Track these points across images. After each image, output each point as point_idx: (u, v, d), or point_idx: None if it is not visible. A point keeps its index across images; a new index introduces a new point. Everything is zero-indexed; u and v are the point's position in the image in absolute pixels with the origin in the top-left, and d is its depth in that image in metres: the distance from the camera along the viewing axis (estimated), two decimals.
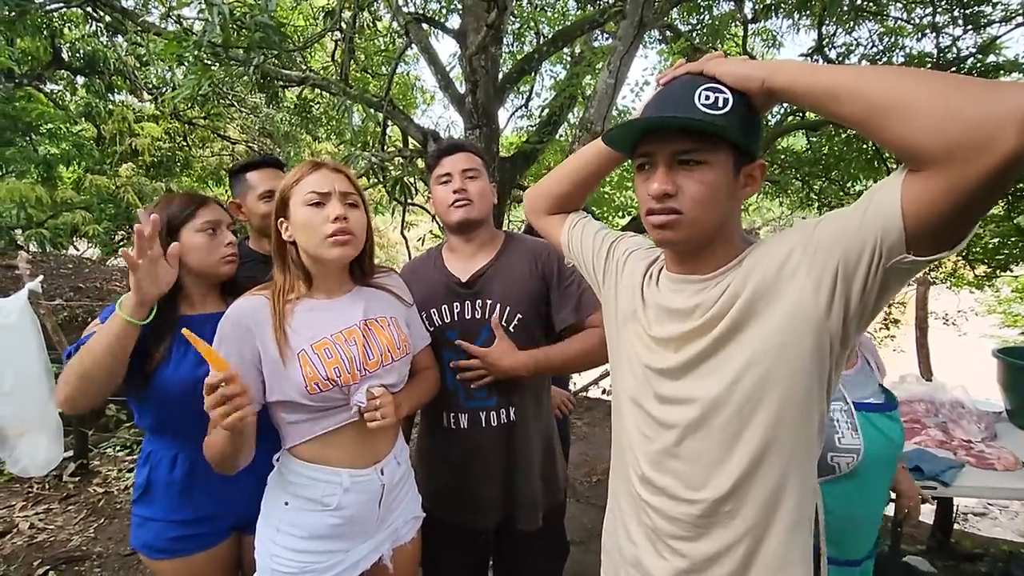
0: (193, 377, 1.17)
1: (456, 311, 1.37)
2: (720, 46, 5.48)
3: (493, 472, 1.36)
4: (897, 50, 4.68)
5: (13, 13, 5.57)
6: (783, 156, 5.41)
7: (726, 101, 0.76)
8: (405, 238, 6.70)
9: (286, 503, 1.12)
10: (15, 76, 6.71)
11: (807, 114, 5.48)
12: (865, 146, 4.80)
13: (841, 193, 5.46)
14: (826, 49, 5.11)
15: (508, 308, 1.35)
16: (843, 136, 5.12)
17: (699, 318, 0.81)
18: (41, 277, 2.25)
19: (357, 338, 1.12)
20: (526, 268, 1.38)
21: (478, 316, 1.36)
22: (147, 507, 1.25)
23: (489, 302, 1.36)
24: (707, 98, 0.76)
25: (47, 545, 2.51)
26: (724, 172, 0.77)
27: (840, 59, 5.06)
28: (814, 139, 5.44)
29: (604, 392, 5.42)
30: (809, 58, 5.35)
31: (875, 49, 4.80)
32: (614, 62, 3.17)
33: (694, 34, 5.17)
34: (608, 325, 1.02)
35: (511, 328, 1.35)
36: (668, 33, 5.22)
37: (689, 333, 0.82)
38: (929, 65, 4.21)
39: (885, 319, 6.12)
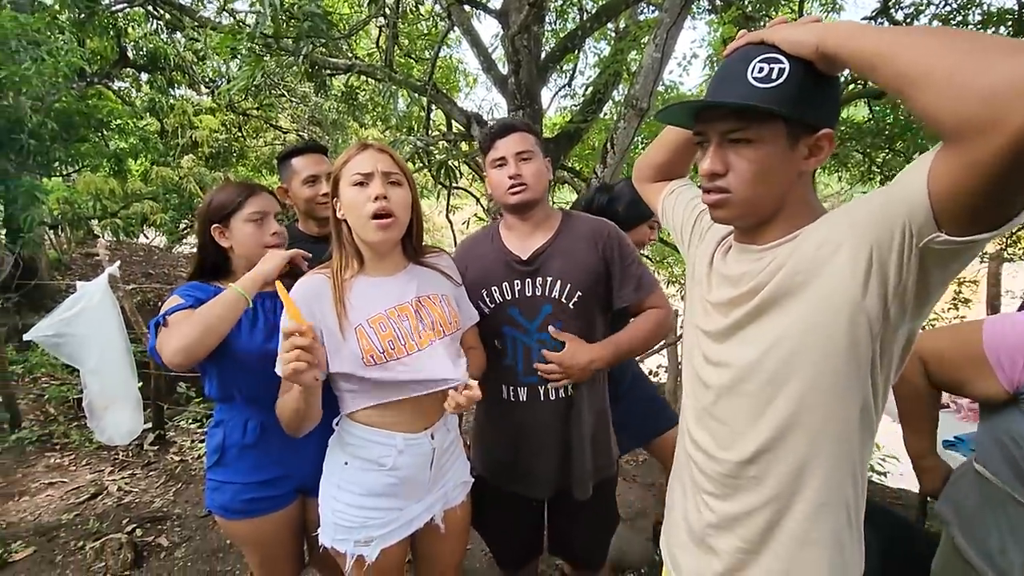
0: (263, 348, 1.26)
1: (516, 288, 1.39)
2: (775, 13, 5.21)
3: (549, 444, 1.40)
4: (973, 7, 4.31)
5: (83, 15, 5.94)
6: (843, 128, 5.12)
7: (781, 71, 0.73)
8: (450, 221, 6.80)
9: (345, 463, 1.20)
10: (86, 75, 7.15)
11: (868, 81, 5.15)
12: None
13: (907, 165, 5.14)
14: (892, 10, 4.77)
15: (568, 286, 1.36)
16: None
17: (744, 286, 0.82)
18: (119, 262, 2.42)
19: (409, 314, 1.18)
20: (586, 247, 1.39)
21: (538, 293, 1.38)
22: (222, 472, 1.34)
23: (549, 279, 1.37)
24: (760, 71, 0.74)
25: (133, 506, 2.75)
26: (776, 148, 0.76)
27: (908, 21, 4.71)
28: (877, 108, 5.12)
29: (650, 373, 5.38)
30: (873, 21, 5.01)
31: (948, 7, 4.44)
32: (660, 35, 3.08)
33: (746, 1, 4.93)
34: (686, 289, 1.05)
35: (571, 305, 1.36)
36: (718, 2, 5.00)
37: (736, 299, 0.83)
38: (1009, 23, 3.87)
39: (954, 298, 5.75)
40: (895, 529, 1.55)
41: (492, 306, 1.40)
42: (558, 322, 1.36)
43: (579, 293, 1.36)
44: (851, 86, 5.06)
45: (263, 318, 1.32)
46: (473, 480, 1.38)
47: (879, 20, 4.99)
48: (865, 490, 0.82)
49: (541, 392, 1.39)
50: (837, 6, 5.58)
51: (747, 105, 0.74)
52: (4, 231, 5.89)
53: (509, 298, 1.39)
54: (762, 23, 5.41)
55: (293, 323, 0.97)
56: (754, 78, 0.74)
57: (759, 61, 0.75)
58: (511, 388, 1.42)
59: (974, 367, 1.04)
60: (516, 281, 1.39)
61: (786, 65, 0.73)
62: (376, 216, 1.12)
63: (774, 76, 0.74)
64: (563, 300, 1.37)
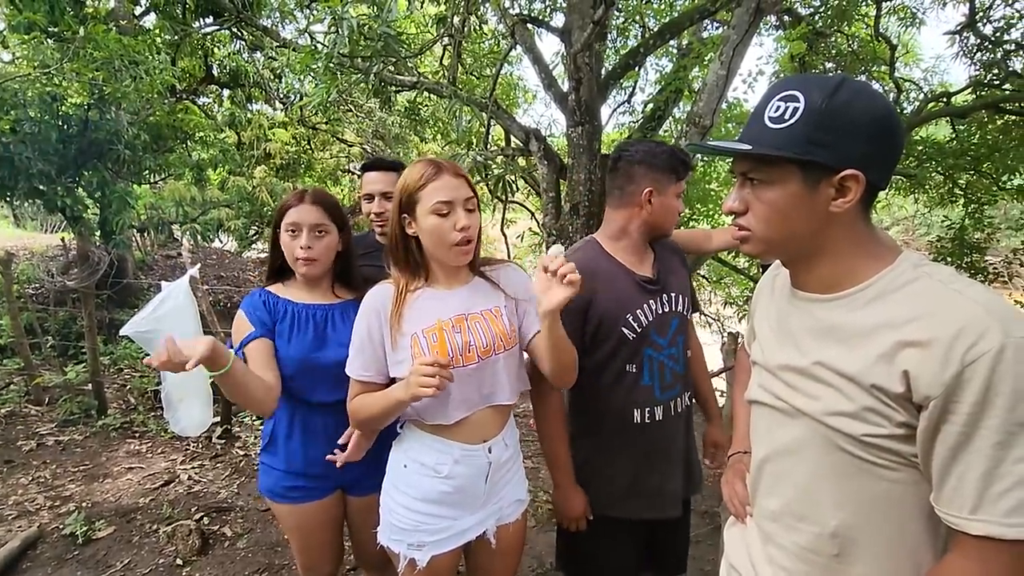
0: (305, 358, 1.35)
1: (653, 308, 1.40)
2: (847, 28, 5.02)
3: (677, 458, 1.46)
4: None
5: (177, 36, 6.48)
6: (920, 147, 4.84)
7: (795, 111, 0.71)
8: (504, 235, 6.89)
9: (405, 465, 1.25)
10: (176, 91, 7.77)
11: (952, 100, 4.85)
12: None
13: (995, 188, 4.77)
14: (979, 24, 4.51)
15: (684, 298, 1.46)
16: (999, 123, 4.47)
17: (849, 341, 0.74)
18: (199, 265, 2.60)
19: (463, 327, 1.20)
20: (678, 260, 1.54)
21: (667, 309, 1.42)
22: (270, 457, 1.44)
23: (673, 294, 1.44)
24: (776, 110, 0.73)
25: (201, 495, 2.93)
26: (791, 189, 0.73)
27: (997, 35, 4.44)
28: (961, 127, 4.82)
29: (721, 394, 5.22)
30: (957, 36, 4.75)
31: None
32: (726, 52, 3.04)
33: (816, 17, 4.77)
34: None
35: (687, 315, 1.48)
36: (787, 18, 4.87)
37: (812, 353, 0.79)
38: None
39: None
40: None
41: (640, 330, 1.37)
42: (681, 335, 1.45)
43: (689, 303, 1.49)
44: (931, 105, 4.80)
45: (312, 328, 1.39)
46: (528, 500, 1.39)
47: (964, 35, 4.72)
48: None
49: (672, 406, 1.43)
50: (917, 20, 5.32)
51: (736, 152, 0.75)
52: (99, 233, 6.45)
53: (652, 319, 1.38)
54: (833, 39, 5.22)
55: (443, 359, 1.06)
56: (769, 118, 0.73)
57: (777, 99, 0.73)
58: (647, 409, 1.39)
59: None
60: (651, 301, 1.39)
61: (801, 103, 0.70)
62: (459, 243, 1.17)
63: (787, 116, 0.71)
64: (684, 312, 1.46)
